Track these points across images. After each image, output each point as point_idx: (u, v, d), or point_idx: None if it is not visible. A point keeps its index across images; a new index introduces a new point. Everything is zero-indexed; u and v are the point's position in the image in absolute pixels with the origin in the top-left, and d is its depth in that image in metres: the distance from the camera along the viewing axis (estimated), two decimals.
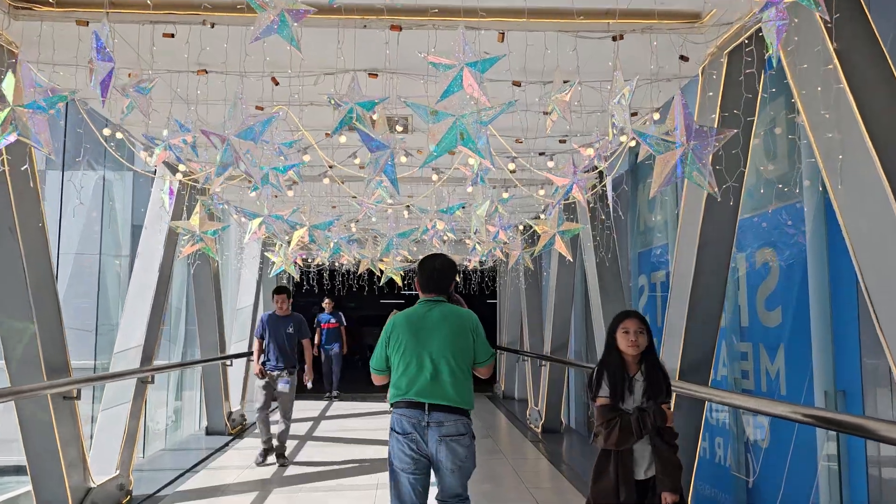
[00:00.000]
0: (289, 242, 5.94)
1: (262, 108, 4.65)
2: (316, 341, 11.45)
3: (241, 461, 6.65)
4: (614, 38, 3.75)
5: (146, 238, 6.35)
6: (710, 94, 3.89)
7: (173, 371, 8.96)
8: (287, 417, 6.61)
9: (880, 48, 2.82)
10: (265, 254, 9.54)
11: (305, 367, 6.95)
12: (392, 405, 3.25)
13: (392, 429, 3.21)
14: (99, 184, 7.63)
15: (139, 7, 3.54)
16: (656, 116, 4.43)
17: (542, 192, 6.34)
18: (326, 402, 11.29)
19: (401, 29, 3.68)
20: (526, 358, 10.00)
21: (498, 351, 12.35)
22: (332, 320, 11.89)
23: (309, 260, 9.97)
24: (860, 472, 3.82)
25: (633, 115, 4.78)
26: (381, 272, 7.29)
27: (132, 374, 5.55)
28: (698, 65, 4.11)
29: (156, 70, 3.94)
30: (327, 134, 5.07)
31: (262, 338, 6.62)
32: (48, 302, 4.25)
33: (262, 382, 6.55)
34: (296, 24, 2.64)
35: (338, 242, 6.52)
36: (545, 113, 4.59)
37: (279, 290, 6.77)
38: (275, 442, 6.56)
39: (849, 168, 2.81)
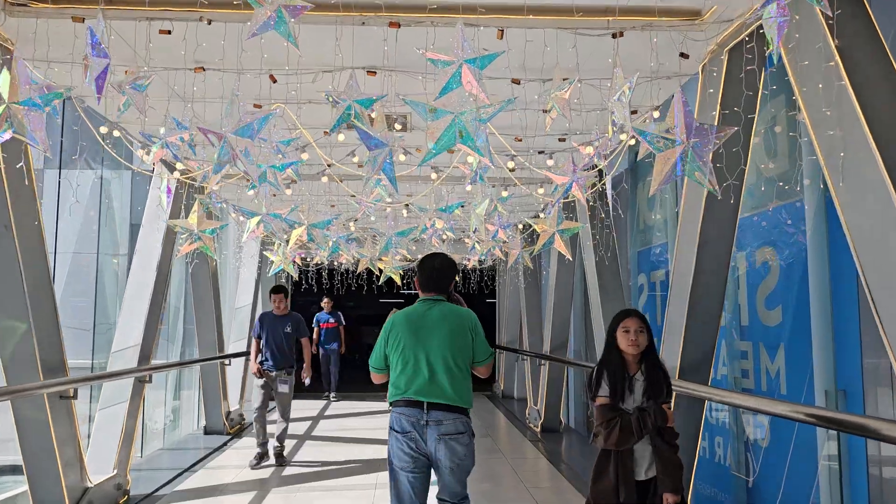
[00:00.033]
0: (287, 241, 5.93)
1: (259, 106, 4.63)
2: (314, 340, 11.41)
3: (239, 461, 6.63)
4: (614, 36, 3.73)
5: (144, 237, 6.33)
6: (711, 90, 3.87)
7: (171, 370, 8.93)
8: (285, 417, 6.60)
9: (882, 45, 2.80)
10: (264, 253, 9.52)
11: (304, 365, 6.92)
12: (391, 404, 3.25)
13: (391, 427, 3.21)
14: (97, 182, 7.60)
15: (135, 3, 3.52)
16: (656, 114, 4.42)
17: (541, 190, 6.32)
18: (325, 402, 11.26)
19: (399, 26, 3.66)
20: (525, 357, 9.99)
21: (497, 350, 12.34)
22: (331, 320, 11.85)
23: (308, 259, 9.95)
24: (861, 472, 3.81)
25: (633, 112, 4.76)
26: (381, 271, 7.27)
27: (129, 373, 5.53)
28: (698, 62, 4.09)
29: (152, 67, 3.92)
30: (326, 132, 5.05)
31: (259, 337, 6.58)
32: (45, 301, 4.22)
33: (260, 382, 6.52)
34: (293, 20, 2.62)
35: (336, 241, 6.50)
36: (544, 111, 4.57)
37: (276, 290, 6.74)
38: (274, 442, 6.54)
39: (850, 166, 2.79)
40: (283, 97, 4.43)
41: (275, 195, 6.73)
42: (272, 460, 6.44)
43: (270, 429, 6.66)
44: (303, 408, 10.28)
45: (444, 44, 3.31)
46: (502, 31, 3.67)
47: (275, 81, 4.30)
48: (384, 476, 3.34)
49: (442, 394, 3.13)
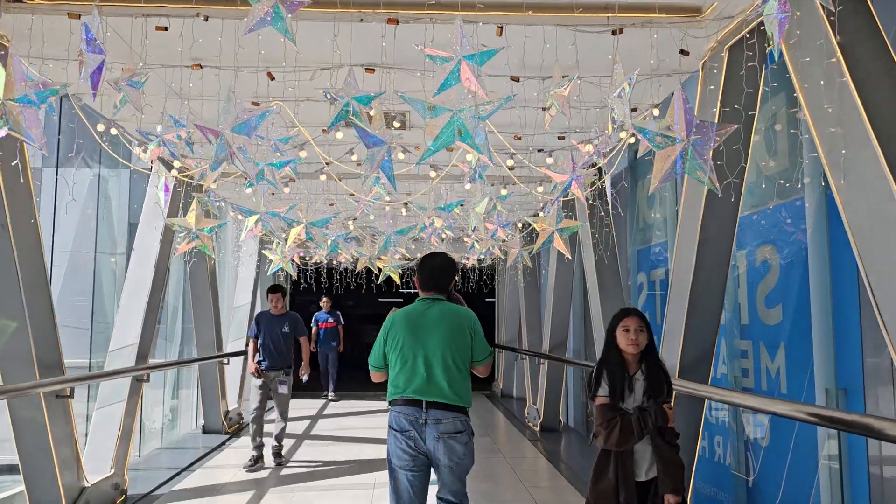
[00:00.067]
0: (286, 240, 5.90)
1: (257, 104, 4.60)
2: (313, 339, 11.37)
3: (237, 460, 6.60)
4: (614, 33, 3.71)
5: (142, 235, 6.30)
6: (711, 87, 3.85)
7: (170, 369, 8.91)
8: (284, 417, 6.57)
9: (884, 41, 2.78)
10: (263, 251, 9.49)
11: (303, 363, 6.89)
12: (390, 403, 3.25)
13: (390, 426, 3.21)
14: (94, 181, 7.56)
15: None
16: (656, 112, 4.39)
17: (540, 188, 6.30)
18: (324, 402, 11.24)
19: (398, 22, 3.63)
20: (524, 356, 9.97)
21: (496, 349, 12.32)
22: (330, 319, 11.79)
23: (306, 258, 9.92)
24: (861, 471, 3.79)
25: (633, 110, 4.74)
26: (379, 270, 7.25)
27: (126, 372, 5.50)
28: (699, 60, 4.07)
29: (149, 64, 3.89)
30: (324, 130, 5.03)
31: (256, 338, 6.53)
32: (41, 300, 4.20)
33: (258, 383, 6.48)
34: (290, 15, 2.59)
35: (335, 240, 6.48)
36: (544, 108, 4.55)
37: (274, 289, 6.70)
38: (272, 441, 6.51)
39: (852, 163, 2.77)
40: (281, 95, 4.41)
41: (273, 193, 6.73)
42: (266, 464, 6.35)
43: (268, 428, 6.64)
44: (301, 407, 10.26)
45: (442, 40, 3.29)
46: (501, 27, 3.65)
47: (273, 79, 4.27)
48: (383, 475, 3.33)
49: (440, 393, 3.13)
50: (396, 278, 7.41)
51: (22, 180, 3.84)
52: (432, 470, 3.22)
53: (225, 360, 8.32)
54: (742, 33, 3.57)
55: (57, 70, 3.90)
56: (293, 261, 6.54)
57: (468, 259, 9.94)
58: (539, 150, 5.98)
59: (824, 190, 4.01)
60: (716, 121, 3.68)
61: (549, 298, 8.31)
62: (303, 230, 5.70)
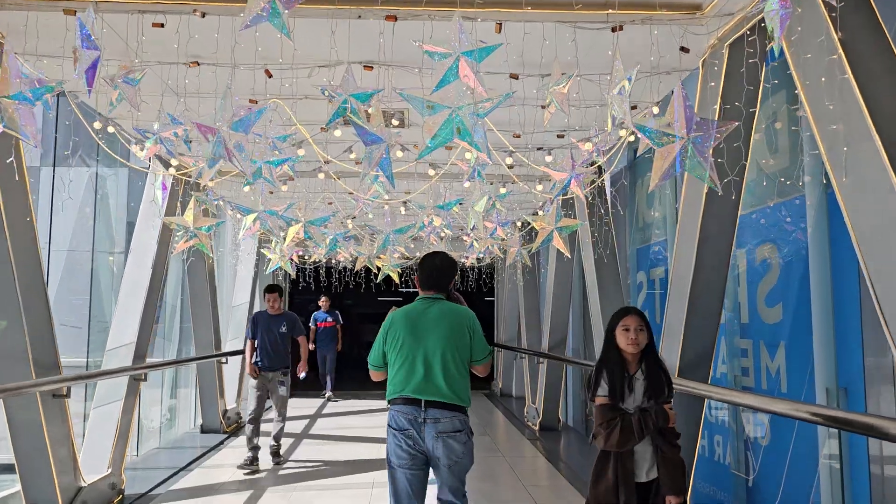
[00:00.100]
0: (284, 239, 5.88)
1: (255, 102, 4.58)
2: (311, 338, 11.33)
3: (235, 459, 6.57)
4: (613, 30, 3.69)
5: (139, 234, 6.28)
6: (712, 84, 3.83)
7: (168, 368, 8.89)
8: (282, 417, 6.54)
9: (885, 38, 2.76)
10: (261, 250, 9.47)
11: (301, 360, 6.86)
12: (389, 402, 3.25)
13: (389, 425, 3.21)
14: (92, 179, 7.55)
15: None
16: (655, 110, 4.37)
17: (539, 187, 6.28)
18: (322, 401, 11.21)
19: (396, 19, 3.61)
20: (524, 355, 9.95)
21: (495, 348, 12.30)
22: (329, 319, 11.72)
23: (305, 257, 9.90)
24: (862, 471, 3.77)
25: (633, 108, 4.72)
26: (378, 269, 7.22)
27: (123, 371, 5.48)
28: (699, 57, 4.05)
29: (145, 61, 3.87)
30: (323, 128, 5.00)
31: (253, 337, 6.48)
32: (37, 298, 4.17)
33: (256, 384, 6.42)
34: (287, 11, 2.57)
35: (334, 239, 6.46)
36: (543, 106, 4.53)
37: (270, 289, 6.64)
38: (270, 441, 6.48)
39: (854, 160, 2.75)
40: (279, 93, 4.38)
41: (272, 192, 6.71)
42: (263, 465, 6.27)
43: (266, 428, 6.61)
44: (300, 406, 10.24)
45: (441, 37, 3.27)
46: (500, 24, 3.63)
47: (271, 76, 4.25)
48: (381, 475, 3.32)
49: (439, 392, 3.12)
50: (395, 277, 7.39)
51: (17, 178, 3.81)
52: (431, 470, 3.21)
53: (223, 360, 8.30)
54: (743, 30, 3.55)
55: (53, 67, 3.88)
56: (292, 260, 6.51)
57: (467, 258, 9.92)
58: (538, 149, 5.95)
59: (825, 188, 3.99)
60: (716, 118, 3.65)
61: (549, 297, 8.29)
62: (301, 229, 5.69)
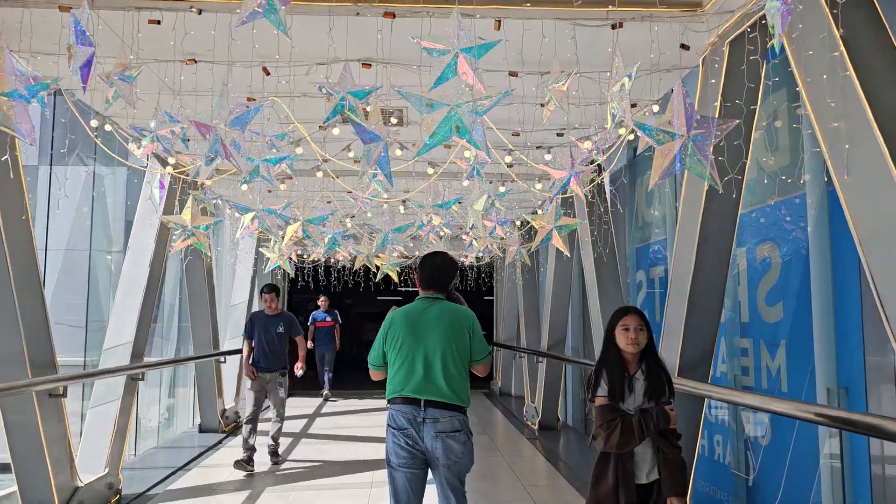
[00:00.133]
0: (283, 237, 5.86)
1: (253, 100, 4.55)
2: (310, 337, 11.30)
3: (234, 459, 6.55)
4: (613, 27, 3.66)
5: (136, 233, 6.25)
6: (713, 81, 3.81)
7: (166, 368, 8.86)
8: (280, 417, 6.51)
9: (888, 34, 2.74)
10: (260, 249, 9.44)
11: (299, 358, 6.82)
12: (389, 401, 3.24)
13: (388, 425, 3.20)
14: (89, 178, 7.52)
15: None
16: (656, 108, 4.35)
17: (538, 186, 6.26)
18: (321, 401, 11.19)
19: (394, 16, 3.58)
20: (523, 354, 9.94)
21: (495, 347, 12.28)
22: (328, 318, 11.66)
23: (304, 256, 9.86)
24: (863, 471, 3.75)
25: (633, 106, 4.69)
26: (377, 268, 7.20)
27: (120, 371, 5.46)
28: (699, 54, 4.02)
29: (142, 58, 3.84)
30: (321, 126, 4.97)
31: (251, 338, 6.43)
32: (33, 298, 4.15)
33: (255, 387, 6.37)
34: (283, 7, 2.54)
35: (333, 237, 6.43)
36: (542, 104, 4.50)
37: (268, 289, 6.59)
38: (268, 440, 6.45)
39: (855, 158, 2.73)
40: (276, 90, 4.36)
41: (270, 191, 6.68)
42: (259, 466, 6.20)
43: (264, 427, 6.59)
44: (298, 405, 10.22)
45: (440, 34, 3.25)
46: (499, 21, 3.60)
47: (268, 74, 4.22)
48: (380, 475, 3.30)
49: (439, 391, 3.12)
50: (395, 276, 7.37)
51: (12, 176, 3.78)
52: (431, 470, 3.20)
53: (222, 359, 8.27)
54: (743, 27, 3.53)
55: (48, 64, 3.85)
56: (290, 259, 6.48)
57: (466, 257, 9.90)
58: (538, 147, 5.93)
59: (826, 186, 3.97)
60: (716, 116, 3.63)
61: (548, 296, 8.27)
62: (300, 227, 5.66)
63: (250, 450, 6.12)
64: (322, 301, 11.76)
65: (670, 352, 4.13)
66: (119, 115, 4.61)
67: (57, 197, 6.57)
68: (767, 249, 4.74)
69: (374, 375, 3.35)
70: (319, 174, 5.97)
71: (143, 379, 5.74)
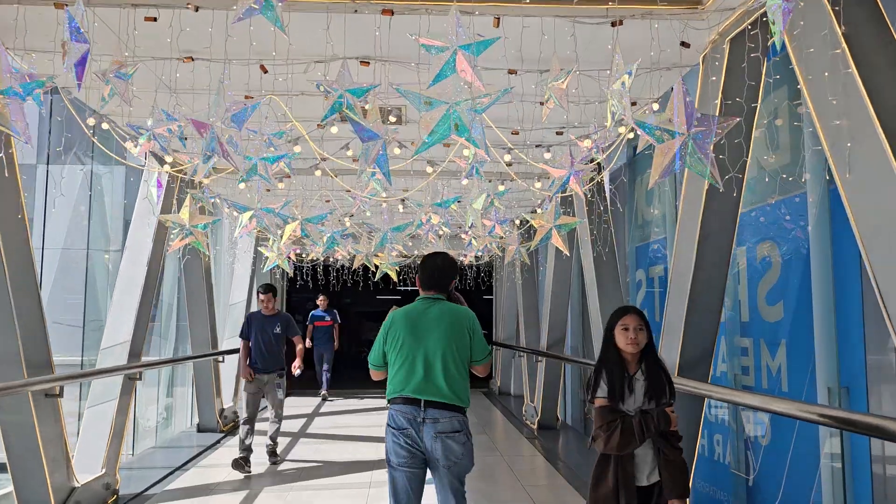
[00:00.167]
0: (281, 236, 5.83)
1: (250, 98, 4.52)
2: (308, 337, 11.27)
3: (232, 459, 6.53)
4: (613, 24, 3.64)
5: (134, 232, 6.22)
6: (713, 79, 3.78)
7: (164, 367, 8.83)
8: (278, 417, 6.48)
9: (889, 31, 2.72)
10: (258, 248, 9.41)
11: (297, 358, 6.80)
12: (389, 401, 3.24)
13: (388, 425, 3.20)
14: (86, 177, 7.48)
15: None
16: (656, 106, 4.33)
17: (538, 184, 6.24)
18: (319, 401, 11.17)
19: (393, 13, 3.56)
20: (522, 354, 9.92)
21: (494, 347, 12.26)
22: (327, 318, 11.62)
23: (303, 255, 9.84)
24: (864, 471, 3.74)
25: (633, 104, 4.67)
26: (377, 267, 7.18)
27: (117, 370, 5.43)
28: (699, 52, 4.00)
29: (138, 56, 3.81)
30: (319, 125, 4.95)
31: (248, 338, 6.39)
32: (29, 297, 4.12)
33: (252, 389, 6.29)
34: (280, 4, 2.52)
35: (332, 236, 6.41)
36: (541, 103, 4.48)
37: (265, 289, 6.55)
38: (266, 440, 6.43)
39: (857, 156, 2.71)
40: (274, 88, 4.33)
41: (268, 190, 6.66)
42: (256, 467, 6.17)
43: (262, 427, 6.56)
44: (297, 405, 10.20)
45: (438, 31, 3.22)
46: (498, 18, 3.58)
47: (266, 72, 4.20)
48: (379, 475, 3.29)
49: (439, 392, 3.11)
50: (394, 275, 7.35)
51: (7, 174, 3.75)
52: (430, 470, 3.18)
53: (220, 358, 8.25)
54: (744, 25, 3.50)
55: (44, 62, 3.82)
56: (289, 258, 6.46)
57: (466, 256, 9.88)
58: (537, 146, 5.91)
59: (827, 185, 3.95)
60: (717, 114, 3.61)
61: (547, 295, 8.25)
62: (298, 226, 5.64)
63: (247, 450, 6.08)
64: (321, 300, 11.73)
65: (670, 351, 4.11)
66: (115, 113, 4.58)
67: (54, 196, 6.54)
68: (768, 248, 4.72)
69: (375, 375, 3.35)
70: (318, 173, 5.95)
71: (140, 378, 5.72)
